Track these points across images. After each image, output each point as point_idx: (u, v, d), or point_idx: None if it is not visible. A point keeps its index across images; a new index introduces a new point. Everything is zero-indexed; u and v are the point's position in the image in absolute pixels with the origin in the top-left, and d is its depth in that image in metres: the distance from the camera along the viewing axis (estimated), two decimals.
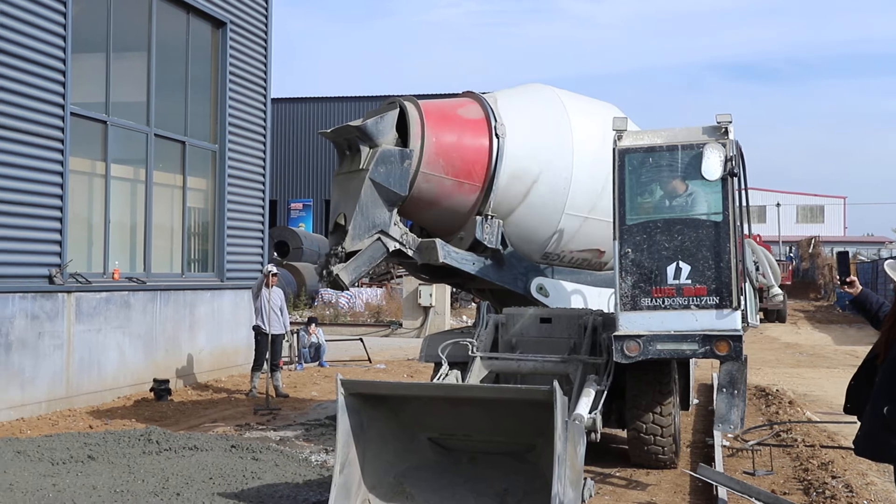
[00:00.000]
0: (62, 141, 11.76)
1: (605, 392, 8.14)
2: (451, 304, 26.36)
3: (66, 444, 8.79)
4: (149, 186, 13.80)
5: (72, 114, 11.95)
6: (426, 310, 24.33)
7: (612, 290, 9.08)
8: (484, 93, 10.05)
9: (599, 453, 8.62)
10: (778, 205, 56.13)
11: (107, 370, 12.53)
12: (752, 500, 7.11)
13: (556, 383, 5.83)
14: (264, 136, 16.52)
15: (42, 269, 11.47)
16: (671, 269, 8.05)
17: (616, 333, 8.10)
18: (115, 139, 13.21)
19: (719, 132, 8.21)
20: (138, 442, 8.90)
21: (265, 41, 16.57)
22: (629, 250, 8.17)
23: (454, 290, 25.63)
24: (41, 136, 11.45)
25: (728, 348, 7.89)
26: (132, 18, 13.66)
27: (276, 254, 31.39)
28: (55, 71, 11.66)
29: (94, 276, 12.47)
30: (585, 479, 6.73)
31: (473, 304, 27.27)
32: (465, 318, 27.42)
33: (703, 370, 15.01)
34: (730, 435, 10.10)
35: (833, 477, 8.07)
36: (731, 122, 8.17)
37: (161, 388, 12.86)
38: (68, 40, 11.81)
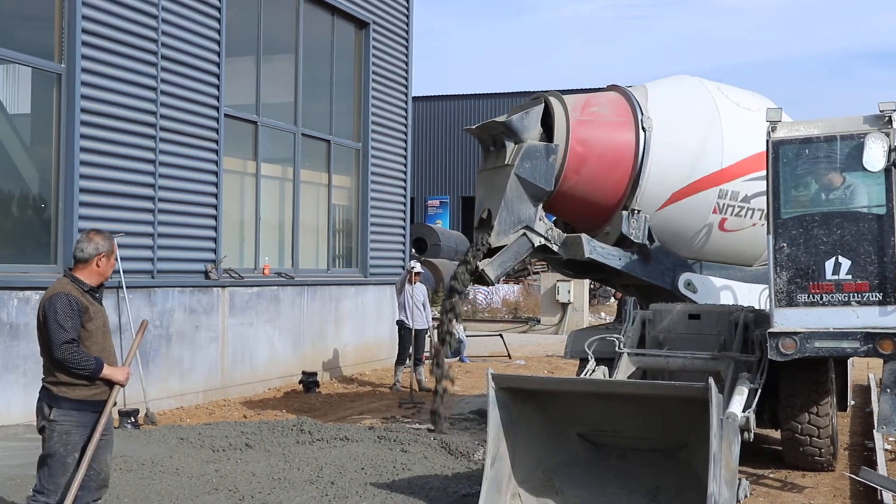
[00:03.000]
0: (217, 142, 12.26)
1: (759, 391, 7.91)
2: (590, 301, 26.09)
3: (224, 433, 9.17)
4: (296, 184, 14.23)
5: (226, 115, 12.44)
6: (564, 306, 24.16)
7: (763, 286, 8.82)
8: (628, 86, 9.91)
9: (752, 454, 8.38)
10: None
11: (258, 362, 12.99)
12: None
13: (710, 380, 5.71)
14: (405, 135, 16.79)
15: (198, 264, 12.00)
16: (830, 264, 7.76)
17: (771, 330, 7.85)
18: (265, 139, 13.69)
19: (882, 121, 7.85)
20: (291, 432, 9.20)
21: (406, 40, 16.83)
22: (784, 245, 7.92)
23: (592, 286, 25.36)
24: (198, 138, 11.97)
25: (893, 347, 7.54)
26: (280, 22, 14.11)
27: (413, 250, 31.79)
28: (210, 74, 12.17)
29: (246, 272, 12.96)
30: (740, 479, 6.56)
31: (614, 299, 26.86)
32: (603, 314, 27.09)
33: (858, 370, 14.36)
34: (892, 438, 9.65)
35: None
36: (895, 111, 7.80)
37: (309, 381, 13.24)
38: (222, 45, 12.30)
